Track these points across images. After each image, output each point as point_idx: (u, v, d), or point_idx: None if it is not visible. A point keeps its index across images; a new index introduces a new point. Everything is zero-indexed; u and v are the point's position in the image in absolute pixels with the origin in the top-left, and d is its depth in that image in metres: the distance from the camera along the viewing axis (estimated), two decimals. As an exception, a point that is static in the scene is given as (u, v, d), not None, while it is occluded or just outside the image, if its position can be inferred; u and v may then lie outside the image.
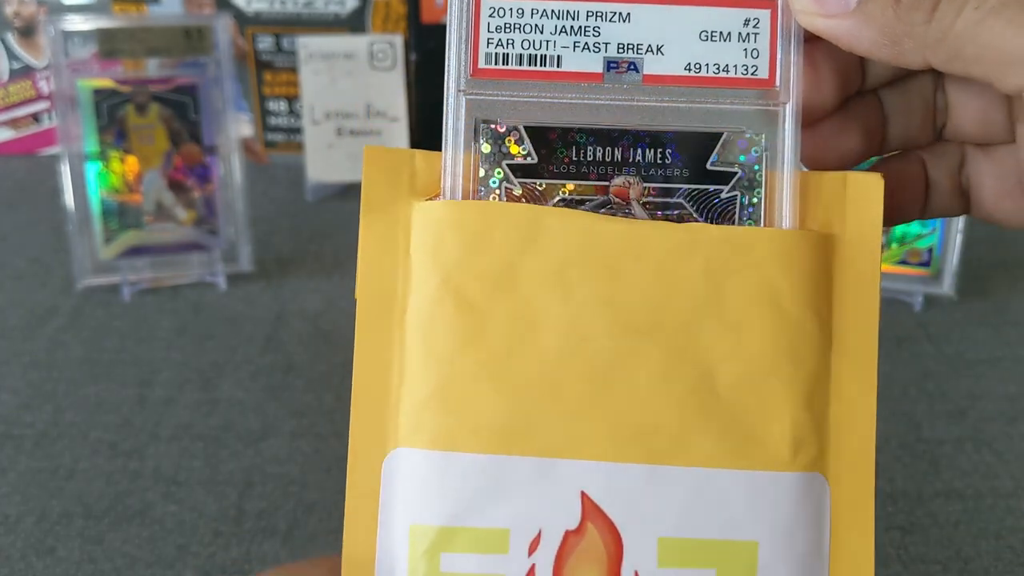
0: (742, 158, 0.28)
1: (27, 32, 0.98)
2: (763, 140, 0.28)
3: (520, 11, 0.27)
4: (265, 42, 0.96)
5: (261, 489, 0.55)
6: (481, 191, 0.28)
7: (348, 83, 0.90)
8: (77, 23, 0.71)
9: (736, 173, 0.28)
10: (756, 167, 0.28)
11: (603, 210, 0.28)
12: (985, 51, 0.23)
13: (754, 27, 0.27)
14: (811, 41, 0.27)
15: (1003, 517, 0.53)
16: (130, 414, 0.61)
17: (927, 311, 0.74)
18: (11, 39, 0.98)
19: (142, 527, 0.51)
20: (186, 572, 0.49)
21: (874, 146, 0.30)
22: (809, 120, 0.28)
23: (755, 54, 0.27)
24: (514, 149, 0.28)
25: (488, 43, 0.27)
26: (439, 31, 0.91)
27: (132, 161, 0.74)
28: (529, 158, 0.28)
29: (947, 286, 0.74)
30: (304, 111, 0.91)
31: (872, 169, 0.29)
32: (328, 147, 0.91)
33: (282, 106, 0.99)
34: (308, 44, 0.89)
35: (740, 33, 0.27)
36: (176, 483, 0.55)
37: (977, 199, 0.31)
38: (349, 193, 0.92)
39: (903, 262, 0.76)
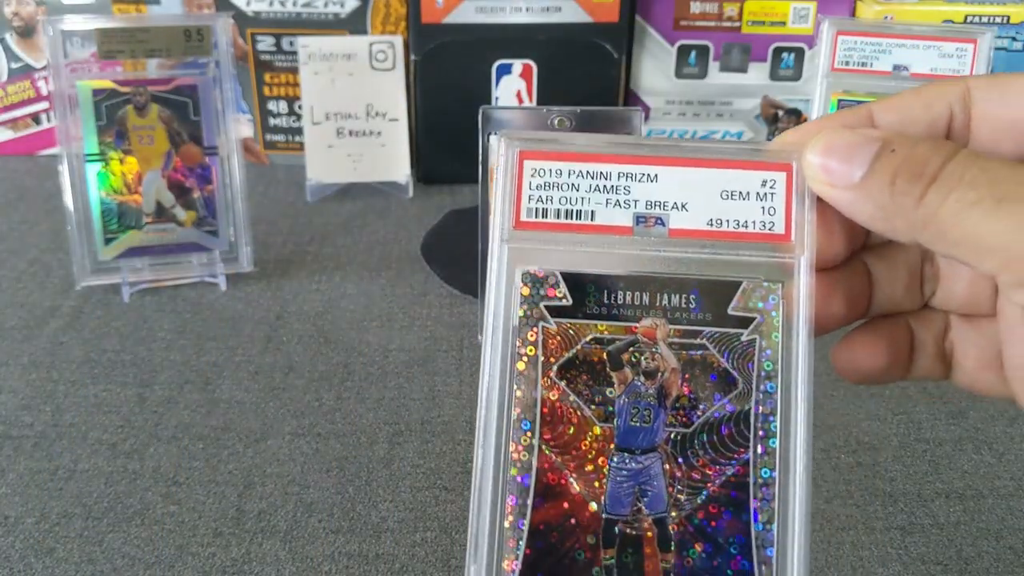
0: (760, 304, 0.30)
1: (26, 32, 0.98)
2: (780, 289, 0.30)
3: (559, 171, 0.31)
4: (265, 42, 0.96)
5: (261, 489, 0.55)
6: (520, 329, 0.30)
7: (348, 83, 0.90)
8: (77, 23, 0.71)
9: (755, 319, 0.30)
10: (774, 313, 0.30)
11: (632, 348, 0.30)
12: (965, 237, 0.26)
13: (771, 188, 0.30)
14: (824, 200, 0.30)
15: (1003, 517, 0.53)
16: (130, 414, 0.61)
17: (927, 311, 0.74)
18: (10, 39, 0.98)
19: (142, 527, 0.51)
20: (186, 572, 0.49)
21: (857, 312, 0.32)
22: (820, 268, 0.30)
23: (772, 211, 0.30)
24: (551, 292, 0.30)
25: (530, 199, 0.31)
26: (439, 31, 0.91)
27: (132, 162, 0.74)
28: (565, 300, 0.30)
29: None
30: (304, 111, 0.91)
31: (860, 331, 0.33)
32: (328, 147, 0.91)
33: (282, 106, 0.99)
34: (308, 44, 0.89)
35: (758, 193, 0.30)
36: (176, 483, 0.55)
37: (959, 367, 0.33)
38: (349, 193, 0.92)
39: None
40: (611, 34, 0.92)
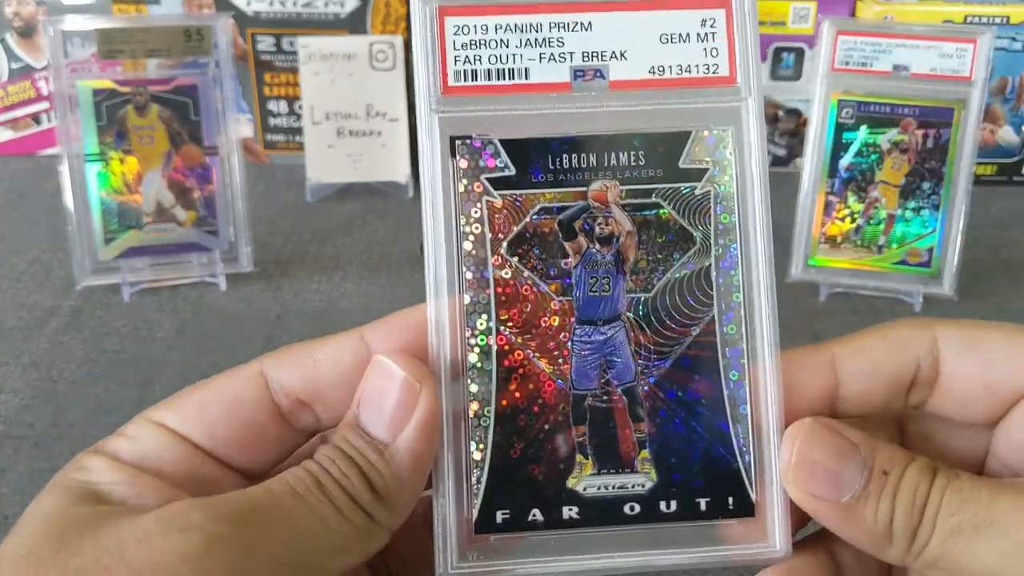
0: (711, 155, 0.29)
1: (27, 32, 0.98)
2: (730, 134, 0.29)
3: (484, 27, 0.28)
4: (265, 42, 0.96)
5: (261, 489, 0.55)
6: (463, 206, 0.28)
7: (348, 83, 0.90)
8: (77, 23, 0.71)
9: (707, 169, 0.29)
10: (726, 161, 0.29)
11: (584, 215, 0.29)
12: (952, 571, 0.26)
13: (711, 27, 0.29)
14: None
15: None
16: (130, 414, 0.60)
17: (927, 311, 0.74)
18: (11, 39, 0.98)
19: (142, 527, 0.51)
20: (186, 572, 0.49)
21: None
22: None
23: (714, 52, 0.29)
24: (491, 162, 0.28)
25: (456, 60, 0.28)
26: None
27: (132, 162, 0.74)
28: (507, 170, 0.28)
29: (947, 286, 0.74)
30: (304, 111, 0.91)
31: None
32: (328, 147, 0.91)
33: (282, 106, 0.99)
34: (308, 44, 0.89)
35: (699, 33, 0.29)
36: (176, 483, 0.55)
37: None
38: (349, 193, 0.92)
39: (903, 262, 0.76)
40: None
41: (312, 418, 0.29)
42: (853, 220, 0.76)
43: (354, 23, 0.95)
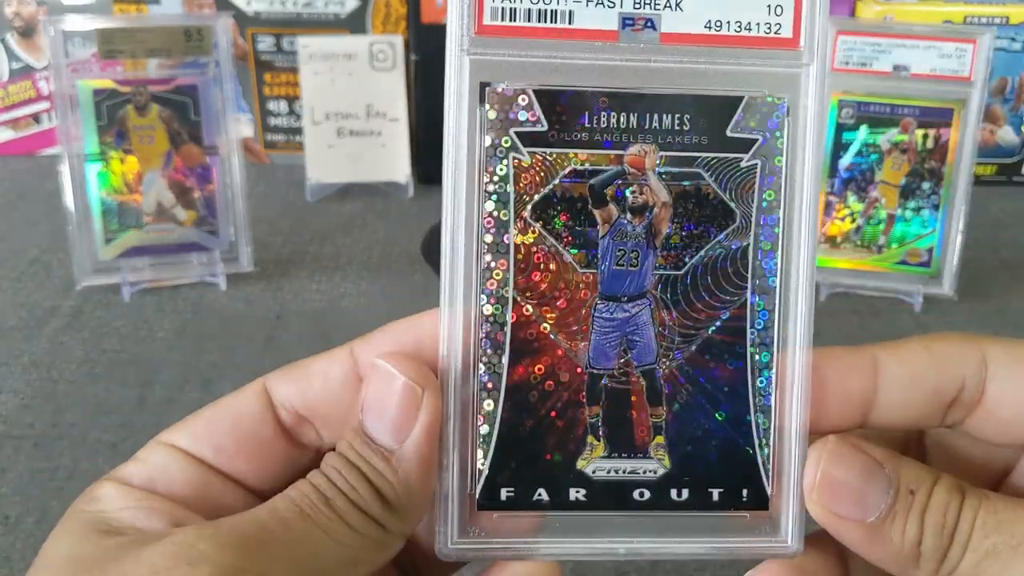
0: (763, 123, 0.26)
1: (27, 32, 0.98)
2: (785, 104, 0.26)
3: None
4: (265, 42, 0.96)
5: (261, 489, 0.55)
6: (488, 161, 0.26)
7: (348, 83, 0.90)
8: (77, 23, 0.71)
9: (757, 140, 0.26)
10: (778, 133, 0.26)
11: (617, 181, 0.26)
12: None
13: None
14: None
15: None
16: (130, 414, 0.61)
17: (927, 311, 0.74)
18: (11, 39, 0.98)
19: (142, 527, 0.51)
20: (186, 572, 0.49)
21: None
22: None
23: (779, 11, 0.26)
24: (522, 115, 0.26)
25: None
26: (439, 31, 0.91)
27: (132, 161, 0.74)
28: (539, 125, 0.26)
29: (947, 286, 0.74)
30: (304, 111, 0.91)
31: None
32: (328, 147, 0.91)
33: (282, 106, 0.99)
34: (308, 44, 0.89)
35: None
36: (176, 483, 0.55)
37: None
38: (349, 193, 0.92)
39: (903, 262, 0.76)
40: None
41: (314, 434, 0.29)
42: (853, 220, 0.76)
43: (354, 23, 0.95)
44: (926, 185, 0.74)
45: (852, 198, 0.76)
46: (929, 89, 0.73)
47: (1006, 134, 0.96)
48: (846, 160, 0.75)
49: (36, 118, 1.01)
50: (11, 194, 0.93)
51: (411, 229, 0.86)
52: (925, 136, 0.73)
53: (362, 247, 0.83)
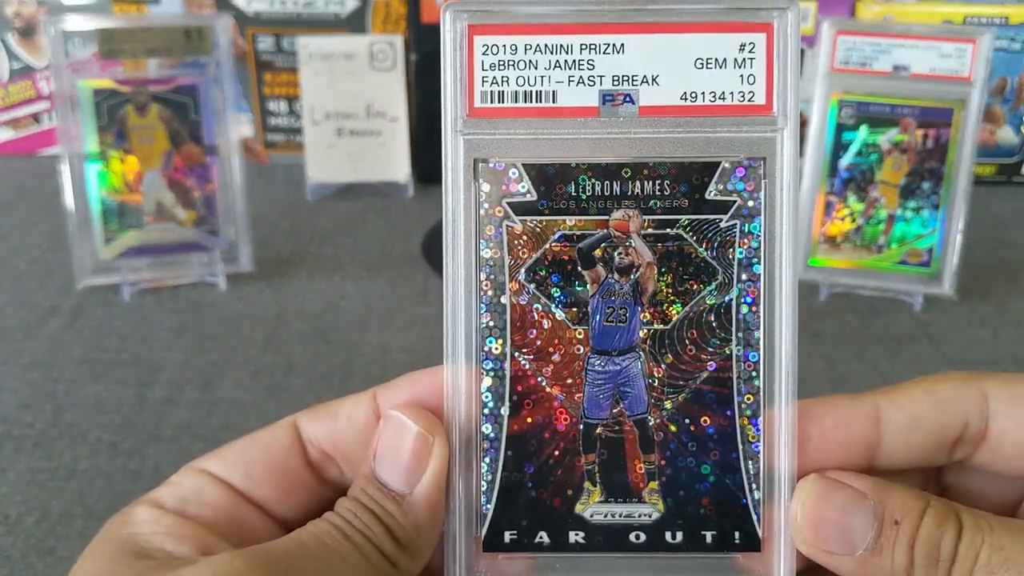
0: (740, 186, 0.28)
1: (27, 32, 0.98)
2: (762, 166, 0.28)
3: (514, 47, 0.28)
4: (265, 42, 0.96)
5: (261, 489, 0.55)
6: (483, 229, 0.28)
7: (348, 83, 0.90)
8: (77, 23, 0.71)
9: (735, 202, 0.28)
10: (756, 194, 0.28)
11: (604, 244, 0.28)
12: None
13: (750, 52, 0.28)
14: None
15: (1003, 517, 0.53)
16: (130, 414, 0.61)
17: (927, 311, 0.74)
18: (11, 39, 0.98)
19: (142, 527, 0.51)
20: (186, 572, 0.49)
21: None
22: None
23: (751, 80, 0.28)
24: (513, 187, 0.28)
25: (483, 82, 0.28)
26: (439, 31, 0.91)
27: (132, 161, 0.74)
28: (528, 195, 0.28)
29: (947, 286, 0.74)
30: (304, 111, 0.91)
31: None
32: (328, 147, 0.91)
33: (282, 106, 0.99)
34: (308, 44, 0.89)
35: (736, 59, 0.28)
36: (176, 483, 0.55)
37: None
38: (349, 193, 0.92)
39: (903, 262, 0.76)
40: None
41: (337, 470, 0.30)
42: (853, 220, 0.76)
43: (354, 23, 0.95)
44: (926, 185, 0.74)
45: (852, 198, 0.76)
46: (929, 89, 0.73)
47: (1006, 134, 0.96)
48: (846, 160, 0.75)
49: (36, 118, 1.01)
50: (11, 194, 0.93)
51: (411, 229, 0.86)
52: (925, 136, 0.73)
53: (362, 247, 0.83)
